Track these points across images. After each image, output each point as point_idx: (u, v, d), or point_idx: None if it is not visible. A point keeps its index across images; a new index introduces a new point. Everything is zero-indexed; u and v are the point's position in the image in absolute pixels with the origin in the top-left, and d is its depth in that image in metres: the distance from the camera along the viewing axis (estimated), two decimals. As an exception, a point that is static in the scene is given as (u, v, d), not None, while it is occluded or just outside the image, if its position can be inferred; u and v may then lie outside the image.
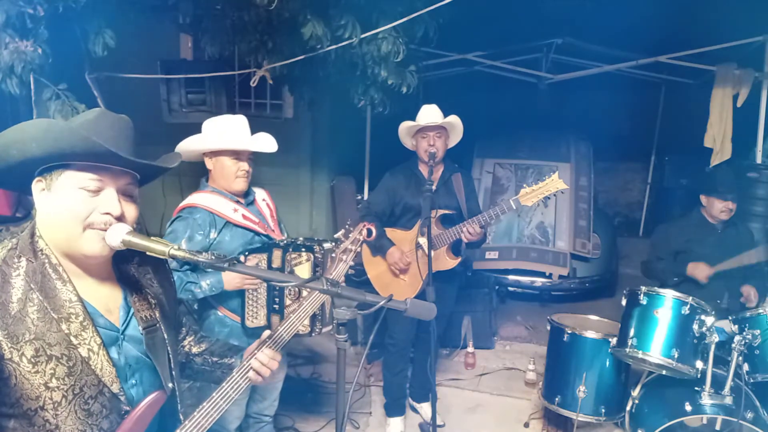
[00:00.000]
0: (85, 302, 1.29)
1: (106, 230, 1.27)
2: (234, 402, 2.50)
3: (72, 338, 1.25)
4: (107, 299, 1.36)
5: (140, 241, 1.28)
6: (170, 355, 1.45)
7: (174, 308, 1.56)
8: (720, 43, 4.61)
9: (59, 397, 1.22)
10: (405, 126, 3.31)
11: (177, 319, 1.62)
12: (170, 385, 1.43)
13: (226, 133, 2.50)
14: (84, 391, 1.26)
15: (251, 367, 1.53)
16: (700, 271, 3.42)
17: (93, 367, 1.27)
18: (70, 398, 1.23)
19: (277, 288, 2.39)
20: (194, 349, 1.69)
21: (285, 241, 2.48)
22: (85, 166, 1.25)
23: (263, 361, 1.55)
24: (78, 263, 1.31)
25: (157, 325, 1.43)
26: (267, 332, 1.63)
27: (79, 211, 1.24)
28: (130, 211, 1.32)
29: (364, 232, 1.97)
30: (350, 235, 1.97)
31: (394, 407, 3.59)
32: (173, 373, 1.45)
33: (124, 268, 1.42)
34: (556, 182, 3.00)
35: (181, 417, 1.46)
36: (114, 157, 1.25)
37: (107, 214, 1.26)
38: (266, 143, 2.57)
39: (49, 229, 1.28)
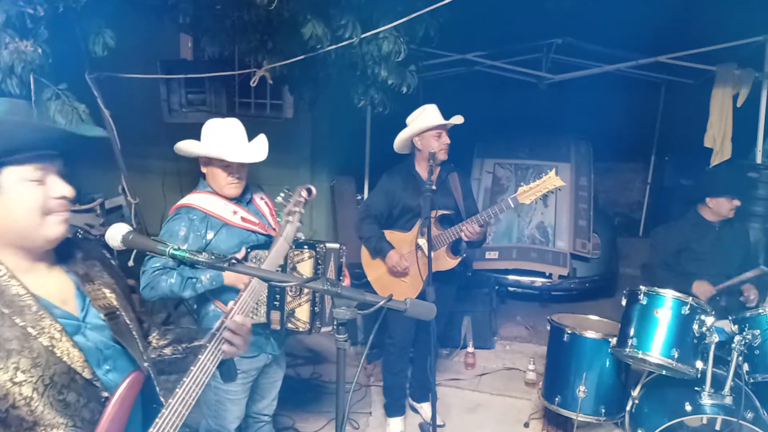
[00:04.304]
0: (37, 296, 1.28)
1: (66, 212, 1.29)
2: (233, 402, 2.54)
3: (29, 329, 1.23)
4: (59, 291, 1.35)
5: (140, 241, 1.28)
6: (138, 339, 1.44)
7: (130, 298, 1.54)
8: (720, 43, 4.60)
9: (29, 391, 1.20)
10: (423, 125, 3.20)
11: (136, 311, 1.58)
12: (145, 363, 1.41)
13: (217, 141, 2.47)
14: (55, 381, 1.23)
15: (224, 338, 1.49)
16: (703, 291, 3.38)
17: (59, 355, 1.25)
18: (41, 390, 1.21)
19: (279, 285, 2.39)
20: (162, 342, 1.66)
21: None
22: (25, 158, 1.24)
23: (233, 328, 1.50)
24: (25, 256, 1.30)
25: (118, 312, 1.41)
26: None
27: (33, 204, 1.25)
28: (71, 190, 1.32)
29: (304, 192, 1.94)
30: (291, 199, 1.95)
31: (394, 407, 3.59)
32: (145, 356, 1.44)
33: (71, 262, 1.41)
34: (553, 179, 3.00)
35: (162, 400, 1.43)
36: (62, 138, 1.27)
37: (62, 198, 1.29)
38: (255, 153, 2.51)
39: (1, 228, 1.26)
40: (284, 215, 1.87)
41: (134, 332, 1.44)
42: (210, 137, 2.50)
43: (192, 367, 1.41)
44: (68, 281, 1.38)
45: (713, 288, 3.38)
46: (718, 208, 3.53)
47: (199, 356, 1.43)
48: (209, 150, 2.45)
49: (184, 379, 1.38)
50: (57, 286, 1.35)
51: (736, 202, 3.50)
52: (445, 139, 3.21)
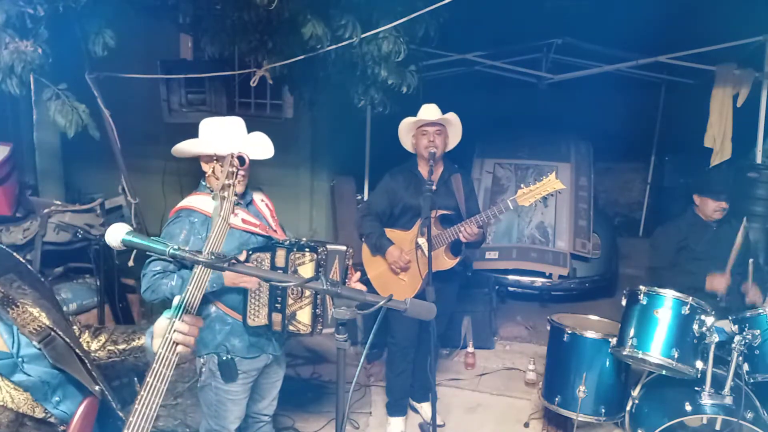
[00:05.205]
0: None
1: None
2: (234, 402, 2.54)
3: None
4: None
5: (140, 241, 1.27)
6: (82, 356, 1.31)
7: (58, 306, 1.41)
8: (720, 43, 4.61)
9: None
10: (407, 122, 3.33)
11: (66, 317, 1.44)
12: (96, 387, 1.30)
13: (219, 137, 2.47)
14: None
15: (175, 341, 1.34)
16: (718, 282, 3.38)
17: (1, 403, 1.14)
18: None
19: (280, 287, 2.39)
20: (93, 345, 1.49)
21: (289, 241, 2.48)
22: None
23: (184, 330, 1.36)
24: None
25: (52, 333, 1.27)
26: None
27: None
28: None
29: (236, 161, 1.79)
30: (221, 172, 1.78)
31: (396, 407, 3.59)
32: (93, 373, 1.32)
33: None
34: (553, 182, 3.01)
35: (121, 415, 1.34)
36: None
37: None
38: (261, 150, 2.52)
39: None
40: (218, 191, 1.70)
41: (76, 350, 1.29)
42: (210, 134, 2.49)
43: (148, 378, 1.26)
44: None
45: (725, 275, 3.33)
46: (704, 207, 3.56)
47: (154, 365, 1.28)
48: (212, 147, 2.44)
49: (141, 392, 1.23)
50: None
51: (723, 204, 3.51)
52: (430, 137, 3.23)
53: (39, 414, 1.19)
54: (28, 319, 1.25)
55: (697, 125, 4.88)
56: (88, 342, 1.50)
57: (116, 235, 1.32)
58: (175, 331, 1.34)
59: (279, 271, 2.37)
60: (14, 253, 1.37)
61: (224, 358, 2.48)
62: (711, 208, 3.53)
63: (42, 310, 1.29)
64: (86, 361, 1.31)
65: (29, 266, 1.39)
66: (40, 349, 1.23)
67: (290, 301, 2.40)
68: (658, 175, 7.48)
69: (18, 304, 1.26)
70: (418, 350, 3.63)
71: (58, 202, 4.08)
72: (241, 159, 1.84)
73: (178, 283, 2.34)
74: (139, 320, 4.33)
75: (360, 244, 3.48)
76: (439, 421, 3.34)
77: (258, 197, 2.70)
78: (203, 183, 2.58)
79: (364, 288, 2.59)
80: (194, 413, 3.50)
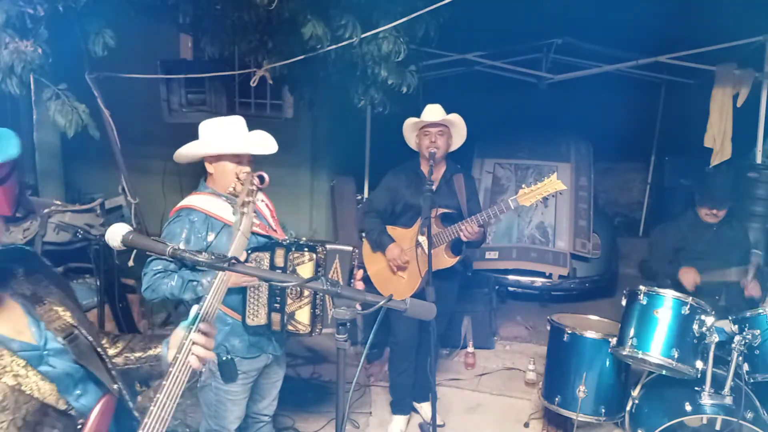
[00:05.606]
0: None
1: None
2: (234, 402, 2.54)
3: None
4: (11, 321, 1.26)
5: (140, 241, 1.27)
6: (103, 356, 1.36)
7: (80, 307, 1.45)
8: (720, 43, 4.61)
9: None
10: (409, 123, 3.34)
11: (88, 319, 1.49)
12: (115, 386, 1.34)
13: (226, 136, 2.48)
14: (28, 420, 1.15)
15: (193, 353, 1.36)
16: (688, 277, 3.46)
17: (28, 392, 1.17)
18: None
19: (279, 287, 2.39)
20: (111, 351, 1.53)
21: (288, 240, 2.48)
22: None
23: (202, 342, 1.38)
24: None
25: (75, 331, 1.32)
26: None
27: None
28: None
29: (256, 180, 1.80)
30: (242, 189, 1.77)
31: (399, 406, 3.61)
32: (113, 373, 1.37)
33: (14, 283, 1.31)
34: (554, 183, 3.01)
35: (136, 415, 1.37)
36: None
37: None
38: (266, 145, 2.53)
39: None
40: (238, 207, 1.72)
41: (97, 349, 1.34)
42: (215, 134, 2.49)
43: (164, 382, 1.28)
44: (17, 308, 1.27)
45: (699, 276, 3.41)
46: (699, 209, 3.63)
47: (170, 369, 1.31)
48: (220, 146, 2.44)
49: (158, 395, 1.26)
50: (7, 316, 1.25)
51: (714, 211, 3.56)
52: (432, 138, 3.24)
53: (62, 406, 1.22)
54: (54, 316, 1.31)
55: (697, 125, 4.88)
56: (106, 348, 1.52)
57: (116, 235, 1.32)
58: (193, 343, 1.36)
59: (278, 271, 2.37)
60: (41, 256, 1.43)
61: (224, 358, 2.47)
62: (703, 212, 3.59)
63: (66, 309, 1.35)
64: (106, 360, 1.36)
65: (55, 270, 1.44)
66: (64, 345, 1.29)
67: (289, 301, 2.40)
68: (658, 175, 7.47)
69: (45, 302, 1.32)
70: (418, 350, 3.64)
71: (58, 202, 4.07)
72: (261, 178, 1.85)
73: (178, 283, 2.34)
74: (138, 320, 4.33)
75: (360, 243, 3.49)
76: (439, 421, 3.34)
77: (258, 197, 2.69)
78: (203, 183, 2.58)
79: (363, 286, 2.60)
80: (194, 413, 3.50)
